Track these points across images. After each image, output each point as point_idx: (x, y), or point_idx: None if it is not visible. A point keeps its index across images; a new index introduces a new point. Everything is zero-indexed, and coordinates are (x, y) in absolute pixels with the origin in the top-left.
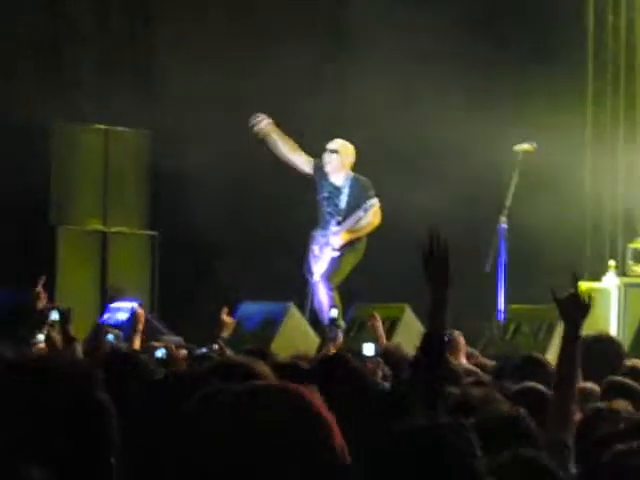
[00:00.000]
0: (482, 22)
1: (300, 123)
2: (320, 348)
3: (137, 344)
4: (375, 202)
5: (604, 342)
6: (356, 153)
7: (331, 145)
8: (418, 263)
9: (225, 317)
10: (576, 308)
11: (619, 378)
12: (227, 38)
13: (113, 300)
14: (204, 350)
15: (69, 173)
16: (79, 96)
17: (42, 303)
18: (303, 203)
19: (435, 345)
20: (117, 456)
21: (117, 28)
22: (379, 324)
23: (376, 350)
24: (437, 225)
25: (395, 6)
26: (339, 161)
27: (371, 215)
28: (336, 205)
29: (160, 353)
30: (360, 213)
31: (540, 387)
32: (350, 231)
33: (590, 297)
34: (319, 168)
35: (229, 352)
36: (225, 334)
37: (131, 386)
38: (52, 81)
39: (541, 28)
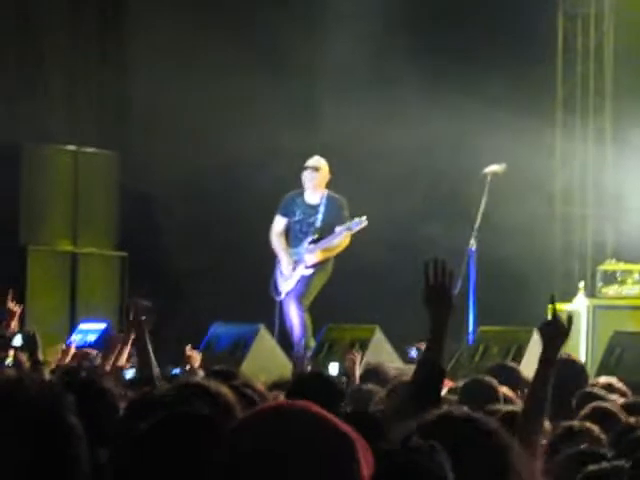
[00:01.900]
0: (447, 36)
1: (268, 143)
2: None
3: (113, 364)
4: (359, 224)
5: (568, 364)
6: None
7: (313, 163)
8: (388, 284)
9: (189, 352)
10: (556, 332)
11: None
12: (196, 60)
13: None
14: (177, 371)
15: (39, 194)
16: (49, 118)
17: (14, 322)
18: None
19: (435, 373)
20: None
21: (87, 51)
22: (355, 363)
23: (340, 370)
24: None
25: (361, 22)
26: (320, 179)
27: (344, 235)
28: (311, 224)
29: (130, 374)
30: (343, 230)
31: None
32: (325, 250)
33: (570, 320)
34: (288, 201)
35: (201, 372)
36: (195, 366)
37: (98, 410)
38: (22, 103)
39: (510, 45)
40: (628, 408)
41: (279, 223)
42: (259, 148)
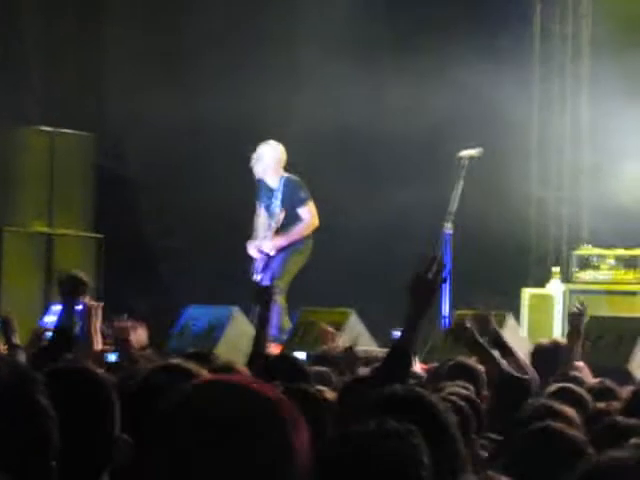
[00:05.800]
0: (426, 20)
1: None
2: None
3: (98, 344)
4: (306, 207)
5: (557, 349)
6: (286, 152)
7: (254, 154)
8: (363, 268)
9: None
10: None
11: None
12: (176, 41)
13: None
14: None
15: (14, 175)
16: (25, 98)
17: None
18: (251, 206)
19: (403, 360)
20: (58, 459)
21: (64, 30)
22: (331, 338)
23: (307, 358)
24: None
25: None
26: (263, 166)
27: (308, 217)
28: (272, 208)
29: (112, 357)
30: (300, 225)
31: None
32: (283, 235)
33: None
34: (258, 187)
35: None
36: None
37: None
38: None
39: (487, 26)
40: (595, 393)
41: (258, 210)
42: (239, 132)
